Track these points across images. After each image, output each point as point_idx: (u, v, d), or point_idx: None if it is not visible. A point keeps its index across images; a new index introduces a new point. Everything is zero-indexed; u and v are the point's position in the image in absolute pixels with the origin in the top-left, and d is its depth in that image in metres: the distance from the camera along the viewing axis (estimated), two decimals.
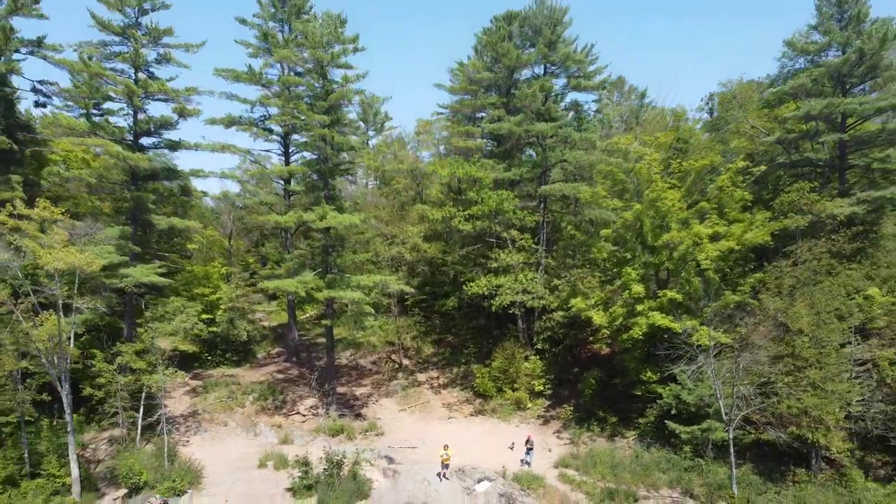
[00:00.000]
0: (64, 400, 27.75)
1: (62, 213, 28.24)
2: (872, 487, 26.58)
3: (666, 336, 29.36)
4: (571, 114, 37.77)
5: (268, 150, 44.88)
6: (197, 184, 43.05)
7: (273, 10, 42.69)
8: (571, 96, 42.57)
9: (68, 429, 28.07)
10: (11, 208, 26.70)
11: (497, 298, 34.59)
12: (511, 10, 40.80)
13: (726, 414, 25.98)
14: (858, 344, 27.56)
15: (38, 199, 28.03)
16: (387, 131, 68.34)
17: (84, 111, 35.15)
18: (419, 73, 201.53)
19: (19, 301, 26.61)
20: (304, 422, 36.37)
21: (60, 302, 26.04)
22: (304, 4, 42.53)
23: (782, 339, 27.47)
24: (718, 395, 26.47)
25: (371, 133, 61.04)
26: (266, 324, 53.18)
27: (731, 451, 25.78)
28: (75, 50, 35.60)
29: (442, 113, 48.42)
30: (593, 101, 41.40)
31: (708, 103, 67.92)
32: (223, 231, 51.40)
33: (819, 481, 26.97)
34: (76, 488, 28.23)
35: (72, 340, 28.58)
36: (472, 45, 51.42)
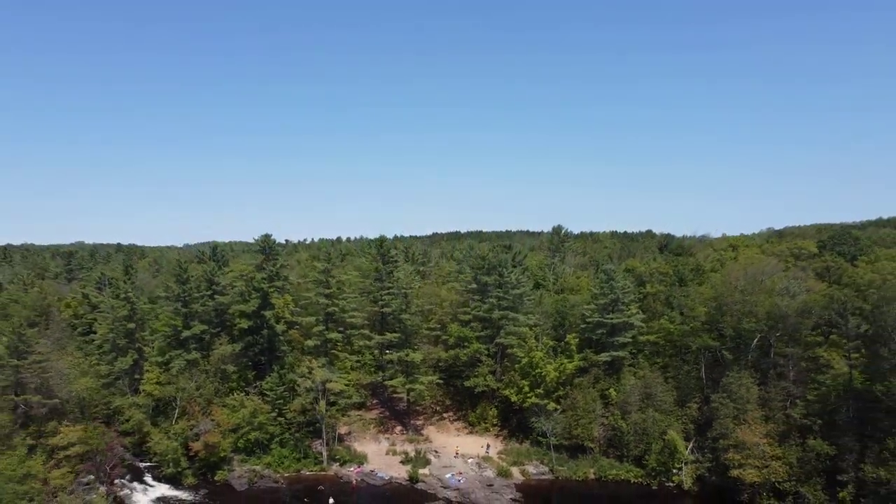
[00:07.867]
0: (322, 427, 78.84)
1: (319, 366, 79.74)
2: (605, 459, 77.31)
3: (538, 403, 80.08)
4: (512, 302, 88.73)
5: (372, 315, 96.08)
6: None
7: (379, 252, 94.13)
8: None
9: (323, 438, 79.16)
10: (308, 364, 77.93)
11: (476, 388, 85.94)
12: (482, 254, 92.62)
13: (550, 434, 76.94)
14: (602, 408, 78.33)
15: (307, 358, 79.59)
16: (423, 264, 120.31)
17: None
18: None
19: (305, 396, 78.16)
20: (398, 436, 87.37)
21: (327, 395, 77.33)
22: (390, 251, 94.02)
23: (575, 406, 78.23)
24: (552, 426, 77.16)
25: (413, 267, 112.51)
26: (361, 381, 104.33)
27: (551, 447, 76.79)
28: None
29: (454, 285, 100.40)
30: (522, 294, 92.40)
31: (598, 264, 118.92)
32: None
33: (588, 458, 77.68)
34: (325, 462, 79.29)
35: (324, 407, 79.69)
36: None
